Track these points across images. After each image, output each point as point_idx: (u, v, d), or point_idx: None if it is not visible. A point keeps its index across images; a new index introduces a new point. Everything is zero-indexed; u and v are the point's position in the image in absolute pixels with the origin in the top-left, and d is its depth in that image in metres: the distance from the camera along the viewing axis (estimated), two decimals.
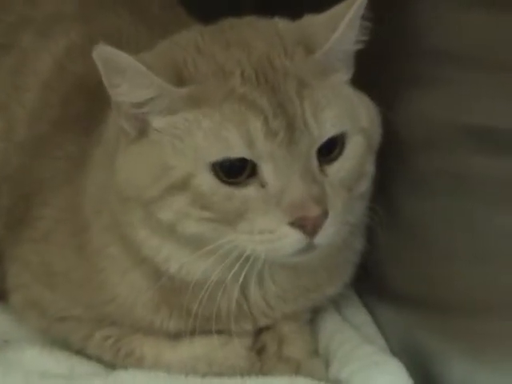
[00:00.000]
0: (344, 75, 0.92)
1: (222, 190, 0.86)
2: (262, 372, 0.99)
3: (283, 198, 0.85)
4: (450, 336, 0.92)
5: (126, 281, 0.98)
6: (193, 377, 0.96)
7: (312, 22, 0.92)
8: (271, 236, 0.86)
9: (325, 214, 0.85)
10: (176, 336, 1.00)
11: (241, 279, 0.91)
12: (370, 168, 0.93)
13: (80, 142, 1.02)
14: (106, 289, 0.98)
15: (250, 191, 0.86)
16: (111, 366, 1.01)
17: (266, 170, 0.85)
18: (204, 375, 0.97)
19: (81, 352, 1.03)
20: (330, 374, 0.99)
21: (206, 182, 0.86)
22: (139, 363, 0.99)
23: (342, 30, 0.88)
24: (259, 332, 1.02)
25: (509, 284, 0.81)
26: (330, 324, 1.06)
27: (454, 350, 0.91)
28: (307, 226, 0.85)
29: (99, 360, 1.02)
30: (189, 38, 0.92)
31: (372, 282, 1.08)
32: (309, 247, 0.87)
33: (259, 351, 1.02)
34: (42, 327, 1.05)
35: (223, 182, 0.86)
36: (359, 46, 0.92)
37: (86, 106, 1.04)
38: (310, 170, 0.86)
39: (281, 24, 0.93)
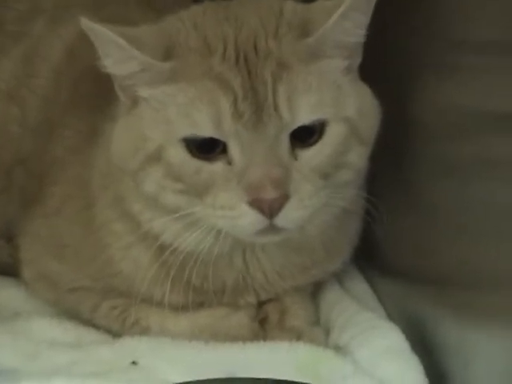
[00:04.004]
0: (339, 63, 0.91)
1: (191, 163, 0.88)
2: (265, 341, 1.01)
3: (244, 177, 0.86)
4: (445, 305, 0.95)
5: (130, 256, 1.00)
6: (196, 342, 0.98)
7: (319, 6, 0.92)
8: (231, 213, 0.87)
9: (283, 198, 0.85)
10: (182, 308, 1.01)
11: (223, 252, 0.94)
12: (354, 159, 0.92)
13: (89, 120, 1.05)
14: (111, 263, 1.01)
15: (217, 167, 0.87)
16: (118, 335, 1.03)
17: (233, 149, 0.87)
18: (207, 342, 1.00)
19: (89, 323, 1.05)
20: (329, 341, 1.01)
21: (177, 154, 0.88)
22: (145, 332, 1.02)
23: (334, 20, 0.87)
24: (262, 303, 1.05)
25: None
26: (331, 295, 1.08)
27: (448, 316, 0.93)
28: (263, 208, 0.85)
29: (107, 330, 1.04)
30: (192, 12, 0.94)
31: (373, 257, 1.11)
32: (272, 229, 0.87)
33: (262, 321, 1.04)
34: (52, 299, 1.08)
35: (194, 155, 0.88)
36: (360, 39, 0.91)
37: (95, 87, 1.05)
38: (276, 153, 0.86)
39: (288, 4, 0.93)
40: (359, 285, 1.11)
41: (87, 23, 0.87)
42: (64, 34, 1.14)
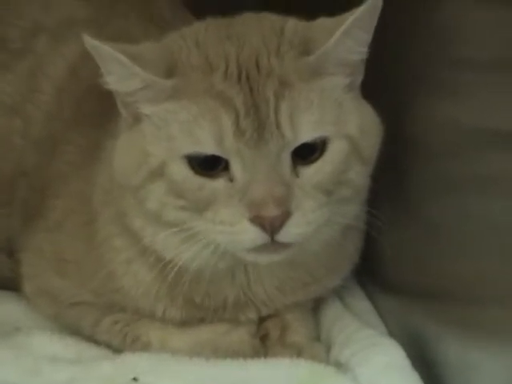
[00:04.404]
0: (340, 80, 0.91)
1: (194, 180, 0.88)
2: (266, 358, 1.01)
3: (246, 194, 0.86)
4: (446, 321, 0.95)
5: (131, 271, 1.01)
6: (197, 359, 0.98)
7: (320, 24, 0.92)
8: (231, 228, 0.87)
9: (285, 215, 0.86)
10: (182, 324, 1.02)
11: (221, 267, 0.94)
12: (355, 176, 0.92)
13: (91, 136, 1.06)
14: (112, 278, 1.01)
15: (219, 184, 0.88)
16: (119, 351, 1.03)
17: (235, 167, 0.87)
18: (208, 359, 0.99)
19: (90, 338, 1.05)
20: (330, 358, 1.01)
21: (179, 171, 0.88)
22: (146, 348, 1.02)
23: (336, 38, 0.88)
24: (263, 319, 1.05)
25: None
26: (332, 311, 1.08)
27: (449, 333, 0.94)
28: (265, 225, 0.86)
29: (108, 346, 1.04)
30: (194, 29, 0.94)
31: (375, 274, 1.11)
32: (272, 245, 0.87)
33: (263, 338, 1.04)
34: (53, 314, 1.08)
35: (196, 172, 0.88)
36: (361, 57, 0.91)
37: (97, 104, 1.07)
38: (278, 171, 0.87)
39: (290, 23, 0.93)
40: (360, 301, 1.11)
41: (90, 41, 0.88)
42: (67, 53, 1.15)
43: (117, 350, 1.03)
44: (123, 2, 1.22)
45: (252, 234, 0.87)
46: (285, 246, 0.89)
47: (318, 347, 1.03)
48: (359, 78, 0.94)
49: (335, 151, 0.89)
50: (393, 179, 1.02)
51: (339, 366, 0.99)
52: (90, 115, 1.09)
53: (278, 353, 1.01)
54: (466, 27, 0.88)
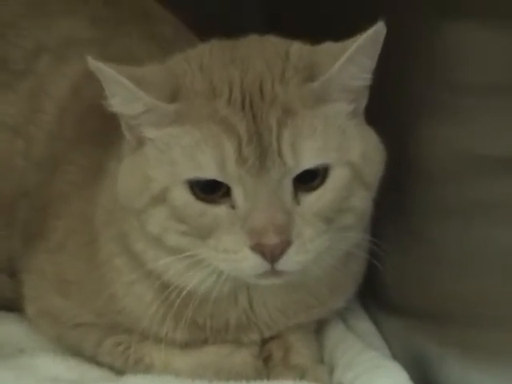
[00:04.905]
0: (344, 106, 0.91)
1: (195, 205, 0.88)
2: (269, 380, 1.01)
3: (248, 222, 0.86)
4: (448, 343, 0.95)
5: (133, 292, 1.00)
6: (200, 381, 0.98)
7: (325, 49, 0.92)
8: (234, 256, 0.87)
9: (285, 244, 0.86)
10: (185, 345, 1.02)
11: (226, 291, 0.94)
12: (357, 203, 0.92)
13: (93, 156, 1.06)
14: (114, 299, 1.01)
15: (220, 210, 0.88)
16: (122, 373, 1.02)
17: (237, 194, 0.87)
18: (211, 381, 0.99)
19: (92, 359, 1.05)
20: (333, 380, 1.01)
21: (181, 197, 0.88)
22: (149, 370, 1.01)
23: (340, 64, 0.88)
24: (266, 341, 1.04)
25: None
26: (335, 333, 1.08)
27: (452, 355, 0.93)
28: (265, 253, 0.86)
29: (110, 367, 1.04)
30: (199, 52, 0.94)
31: (378, 296, 1.11)
32: (274, 272, 0.88)
33: (266, 359, 1.04)
34: (55, 335, 1.08)
35: (198, 197, 0.88)
36: (365, 83, 0.91)
37: (100, 124, 1.06)
38: (280, 198, 0.86)
39: (295, 46, 0.93)
40: (363, 323, 1.11)
41: (94, 63, 0.88)
42: (69, 72, 1.15)
43: (119, 372, 1.03)
44: (125, 21, 1.21)
45: (252, 262, 0.87)
46: (285, 272, 0.88)
47: (321, 369, 1.03)
48: (363, 104, 0.93)
49: (337, 178, 0.89)
50: (395, 202, 1.02)
51: None
52: (92, 135, 1.09)
53: (281, 374, 1.01)
54: (468, 51, 0.88)
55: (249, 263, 0.87)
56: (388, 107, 0.99)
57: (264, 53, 0.92)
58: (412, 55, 0.97)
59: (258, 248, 0.86)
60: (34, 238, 1.10)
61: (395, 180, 0.96)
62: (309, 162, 0.87)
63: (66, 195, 1.08)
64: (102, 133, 1.06)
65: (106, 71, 0.88)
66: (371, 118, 0.95)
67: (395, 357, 1.03)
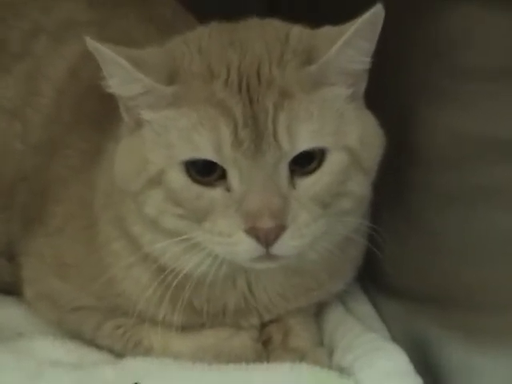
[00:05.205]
0: (342, 90, 0.90)
1: (191, 188, 0.88)
2: (268, 362, 1.01)
3: (242, 205, 0.86)
4: (449, 326, 0.95)
5: (131, 276, 1.00)
6: (200, 364, 0.98)
7: (325, 33, 0.92)
8: (229, 240, 0.87)
9: (280, 228, 0.86)
10: (183, 329, 1.01)
11: (223, 275, 0.93)
12: (354, 187, 0.91)
13: (91, 139, 1.05)
14: (113, 283, 1.01)
15: (216, 193, 0.88)
16: (121, 356, 1.03)
17: (232, 176, 0.87)
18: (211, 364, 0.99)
19: (92, 343, 1.05)
20: (333, 363, 1.01)
21: (177, 179, 0.88)
22: (148, 353, 1.02)
23: (337, 47, 0.87)
24: (265, 324, 1.05)
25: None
26: (335, 316, 1.08)
27: (452, 338, 0.94)
28: (260, 236, 0.86)
29: (110, 350, 1.04)
30: (198, 34, 0.94)
31: (378, 278, 1.11)
32: (268, 256, 0.87)
33: (265, 342, 1.04)
34: (54, 318, 1.07)
35: (194, 180, 0.88)
36: (364, 66, 0.91)
37: (98, 106, 1.06)
38: (275, 182, 0.86)
39: (295, 30, 0.93)
40: (363, 306, 1.11)
41: (92, 43, 0.88)
42: (67, 54, 1.15)
43: (119, 355, 1.03)
44: (123, 3, 1.21)
45: (247, 246, 0.87)
46: (280, 257, 0.88)
47: (321, 352, 1.03)
48: (362, 88, 0.93)
49: (334, 163, 0.89)
50: (395, 188, 1.02)
51: (342, 371, 0.98)
52: (90, 117, 1.09)
53: (281, 357, 1.01)
54: (468, 36, 0.87)
55: (243, 247, 0.87)
56: (388, 92, 0.99)
57: (264, 36, 0.92)
58: (412, 39, 0.96)
59: (253, 232, 0.85)
60: (33, 221, 1.09)
61: (394, 166, 0.96)
62: (304, 144, 0.87)
63: (64, 179, 1.07)
64: (100, 114, 1.06)
65: (104, 52, 0.87)
66: (370, 102, 0.94)
67: (395, 339, 1.04)
